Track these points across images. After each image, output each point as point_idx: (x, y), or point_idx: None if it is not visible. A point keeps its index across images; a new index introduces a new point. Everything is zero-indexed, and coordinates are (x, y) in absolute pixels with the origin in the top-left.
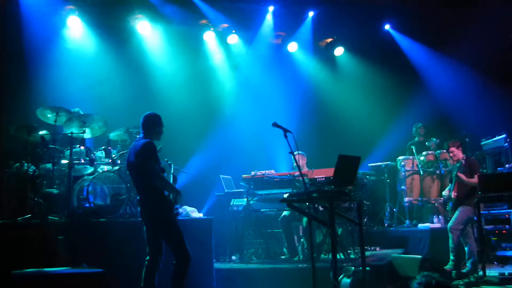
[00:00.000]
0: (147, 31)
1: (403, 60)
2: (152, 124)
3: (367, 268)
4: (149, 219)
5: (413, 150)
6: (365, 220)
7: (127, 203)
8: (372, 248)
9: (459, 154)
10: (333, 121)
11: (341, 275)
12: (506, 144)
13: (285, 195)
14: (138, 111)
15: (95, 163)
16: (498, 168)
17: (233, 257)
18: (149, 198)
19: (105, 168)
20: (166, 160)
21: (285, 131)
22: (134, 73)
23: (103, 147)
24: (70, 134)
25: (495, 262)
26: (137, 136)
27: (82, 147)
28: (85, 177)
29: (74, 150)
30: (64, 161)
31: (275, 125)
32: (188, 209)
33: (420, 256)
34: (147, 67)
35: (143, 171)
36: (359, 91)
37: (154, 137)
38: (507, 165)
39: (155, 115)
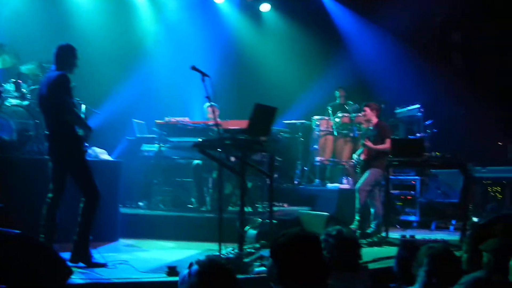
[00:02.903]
0: None
1: (329, 23)
2: (66, 55)
3: (274, 221)
4: (57, 154)
5: (329, 111)
6: (276, 176)
7: (34, 140)
8: (280, 204)
9: (372, 116)
10: (253, 76)
11: (248, 226)
12: (419, 113)
13: None
14: (52, 45)
15: (3, 95)
16: (409, 136)
17: (140, 203)
18: (59, 133)
19: (13, 101)
20: (77, 99)
21: (203, 75)
22: (50, 5)
23: (13, 80)
24: None
25: (397, 226)
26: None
27: None
28: None
29: None
30: None
31: (193, 68)
32: (98, 150)
33: (327, 213)
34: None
35: (55, 104)
36: (281, 49)
37: (67, 69)
38: (418, 134)
39: (69, 46)
